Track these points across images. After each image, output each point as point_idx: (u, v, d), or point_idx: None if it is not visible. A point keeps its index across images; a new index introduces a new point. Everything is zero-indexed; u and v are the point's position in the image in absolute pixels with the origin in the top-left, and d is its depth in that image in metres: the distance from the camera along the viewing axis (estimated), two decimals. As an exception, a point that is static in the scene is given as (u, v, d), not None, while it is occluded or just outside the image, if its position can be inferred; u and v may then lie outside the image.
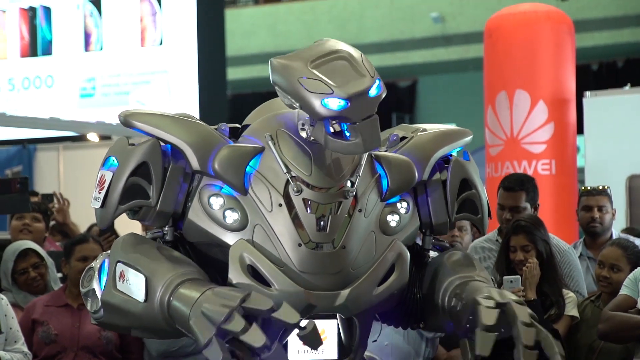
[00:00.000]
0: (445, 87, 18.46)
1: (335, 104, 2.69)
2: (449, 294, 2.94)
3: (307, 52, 2.78)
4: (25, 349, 4.48)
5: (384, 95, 2.76)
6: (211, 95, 12.32)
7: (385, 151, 3.05)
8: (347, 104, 2.69)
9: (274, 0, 20.16)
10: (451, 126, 3.25)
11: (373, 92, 2.72)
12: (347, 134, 2.74)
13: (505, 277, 4.49)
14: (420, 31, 18.15)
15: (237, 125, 3.05)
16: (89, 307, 2.97)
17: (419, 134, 3.10)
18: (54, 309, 4.85)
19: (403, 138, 3.10)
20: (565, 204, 7.54)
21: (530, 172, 7.34)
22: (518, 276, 4.47)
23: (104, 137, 10.30)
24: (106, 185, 2.88)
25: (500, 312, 2.73)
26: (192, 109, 11.87)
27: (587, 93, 7.64)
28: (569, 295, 4.69)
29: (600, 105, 7.60)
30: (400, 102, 18.91)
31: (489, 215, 3.17)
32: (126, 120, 2.91)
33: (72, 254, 4.90)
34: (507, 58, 7.73)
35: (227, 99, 13.78)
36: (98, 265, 2.96)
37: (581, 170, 7.80)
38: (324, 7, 18.99)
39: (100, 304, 2.90)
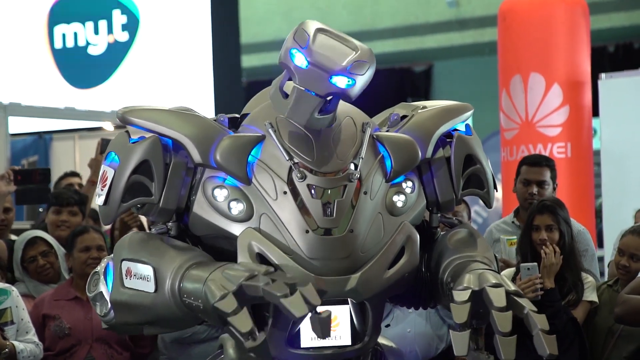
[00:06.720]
0: (460, 72, 18.33)
1: (300, 60, 2.74)
2: (448, 273, 2.91)
3: None
4: (36, 339, 4.51)
5: (355, 91, 2.75)
6: (226, 82, 12.30)
7: (387, 131, 3.01)
8: (308, 66, 2.71)
9: (288, -14, 20.10)
10: (451, 102, 3.19)
11: (340, 81, 2.72)
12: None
13: (522, 265, 4.45)
14: (435, 15, 18.05)
15: (236, 115, 3.02)
16: (98, 311, 2.96)
17: (419, 111, 3.07)
18: (64, 303, 4.83)
19: (404, 117, 3.06)
20: (581, 187, 7.50)
21: (545, 155, 7.30)
22: (535, 264, 4.44)
23: (119, 126, 10.32)
24: (108, 182, 2.86)
25: (477, 299, 2.67)
26: (207, 97, 11.87)
27: (602, 75, 7.56)
28: (588, 280, 4.66)
29: (616, 87, 7.52)
30: (415, 87, 18.81)
31: (495, 188, 3.13)
32: (124, 117, 2.87)
33: (74, 245, 4.89)
34: (521, 41, 7.66)
35: (242, 86, 13.74)
36: (103, 269, 2.96)
37: (597, 153, 7.74)
38: (338, -8, 18.92)
39: (109, 305, 2.90)
